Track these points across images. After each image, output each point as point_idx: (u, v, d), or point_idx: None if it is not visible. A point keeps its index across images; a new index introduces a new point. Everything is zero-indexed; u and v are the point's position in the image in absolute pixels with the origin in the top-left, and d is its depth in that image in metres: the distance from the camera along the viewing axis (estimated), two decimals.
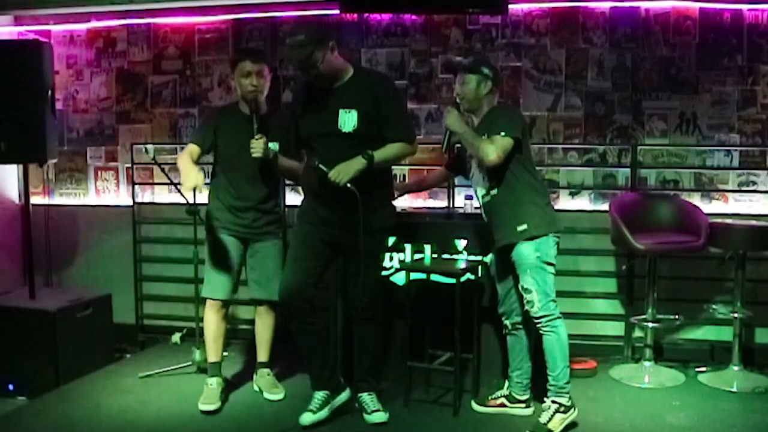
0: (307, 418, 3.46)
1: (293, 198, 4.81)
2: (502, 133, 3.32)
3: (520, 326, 3.60)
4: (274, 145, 3.60)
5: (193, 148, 3.74)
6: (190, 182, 3.45)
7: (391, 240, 3.96)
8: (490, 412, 3.64)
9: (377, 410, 3.52)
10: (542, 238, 3.37)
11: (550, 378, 3.39)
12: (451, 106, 3.55)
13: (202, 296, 3.84)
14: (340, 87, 3.37)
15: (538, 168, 3.75)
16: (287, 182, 4.60)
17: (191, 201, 3.84)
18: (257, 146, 3.51)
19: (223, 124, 3.79)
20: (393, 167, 3.62)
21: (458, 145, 3.66)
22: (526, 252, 3.36)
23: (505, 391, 3.68)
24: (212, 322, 3.82)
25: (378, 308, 3.56)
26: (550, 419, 3.34)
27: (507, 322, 3.63)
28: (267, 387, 3.90)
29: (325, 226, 3.44)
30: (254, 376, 4.00)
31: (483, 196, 3.53)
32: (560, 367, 3.36)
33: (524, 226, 3.36)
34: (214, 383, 3.78)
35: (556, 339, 3.35)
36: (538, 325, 3.39)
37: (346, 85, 3.37)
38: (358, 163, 3.27)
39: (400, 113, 3.46)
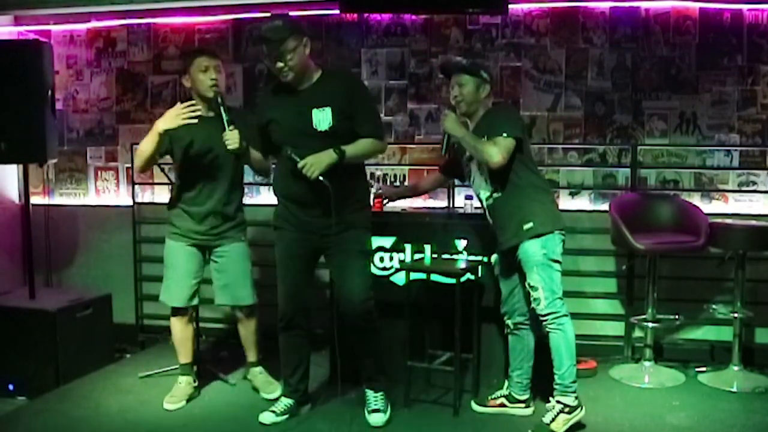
0: (268, 418, 3.53)
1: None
2: (504, 134, 3.31)
3: (522, 326, 3.59)
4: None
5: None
6: (173, 115, 3.43)
7: (391, 240, 3.97)
8: (490, 412, 3.64)
9: (377, 410, 3.50)
10: (548, 235, 3.36)
11: (555, 377, 3.38)
12: (447, 109, 3.53)
13: (160, 300, 3.86)
14: (309, 88, 3.34)
15: (538, 168, 3.74)
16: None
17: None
18: (233, 137, 3.41)
19: (180, 127, 3.54)
20: (394, 168, 3.60)
21: (457, 145, 3.65)
22: (532, 249, 3.35)
23: (504, 391, 3.68)
24: (176, 328, 3.86)
25: (372, 313, 3.49)
26: (553, 419, 3.33)
27: (509, 322, 3.62)
28: (262, 386, 3.89)
29: (305, 231, 3.41)
30: (248, 378, 4.00)
31: (486, 199, 3.51)
32: (566, 365, 3.35)
33: (530, 224, 3.35)
34: (183, 381, 3.85)
35: (563, 337, 3.34)
36: (544, 323, 3.37)
37: (314, 86, 3.35)
38: (328, 157, 3.23)
39: (370, 109, 3.45)
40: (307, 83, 3.34)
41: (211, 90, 3.59)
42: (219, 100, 3.51)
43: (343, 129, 3.30)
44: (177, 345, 3.88)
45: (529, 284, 3.38)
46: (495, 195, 3.45)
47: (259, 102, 3.59)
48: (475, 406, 3.69)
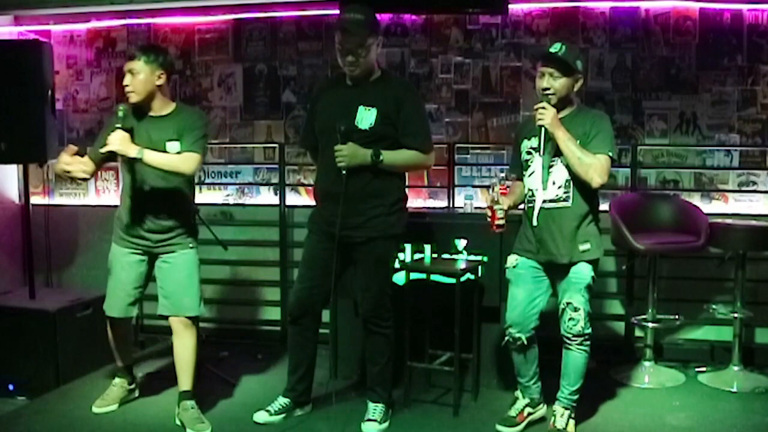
0: (261, 417, 3.52)
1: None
2: (610, 153, 3.16)
3: (533, 339, 3.46)
4: (173, 145, 3.37)
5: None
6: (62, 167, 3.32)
7: None
8: (521, 429, 3.46)
9: (372, 420, 3.46)
10: (598, 259, 3.33)
11: (565, 390, 3.36)
12: (545, 103, 3.18)
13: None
14: (364, 86, 3.34)
15: None
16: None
17: None
18: (113, 138, 3.22)
19: (126, 130, 3.33)
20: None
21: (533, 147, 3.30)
22: (585, 272, 3.29)
23: (523, 401, 3.54)
24: (110, 335, 3.74)
25: (385, 320, 3.47)
26: (567, 424, 3.35)
27: (521, 336, 3.39)
28: (189, 422, 3.46)
29: (328, 238, 3.40)
30: (176, 409, 3.55)
31: (545, 201, 3.28)
32: (580, 383, 3.34)
33: (587, 246, 3.26)
34: (117, 384, 3.77)
35: (586, 358, 3.33)
36: (573, 343, 3.30)
37: (371, 84, 3.34)
38: (363, 157, 3.25)
39: (418, 122, 3.39)
40: (364, 81, 3.34)
41: (125, 96, 3.36)
42: (120, 114, 3.33)
43: (383, 133, 3.28)
44: (113, 349, 3.74)
45: (570, 304, 3.28)
46: (562, 204, 3.25)
47: (315, 88, 3.62)
48: (503, 429, 3.44)
